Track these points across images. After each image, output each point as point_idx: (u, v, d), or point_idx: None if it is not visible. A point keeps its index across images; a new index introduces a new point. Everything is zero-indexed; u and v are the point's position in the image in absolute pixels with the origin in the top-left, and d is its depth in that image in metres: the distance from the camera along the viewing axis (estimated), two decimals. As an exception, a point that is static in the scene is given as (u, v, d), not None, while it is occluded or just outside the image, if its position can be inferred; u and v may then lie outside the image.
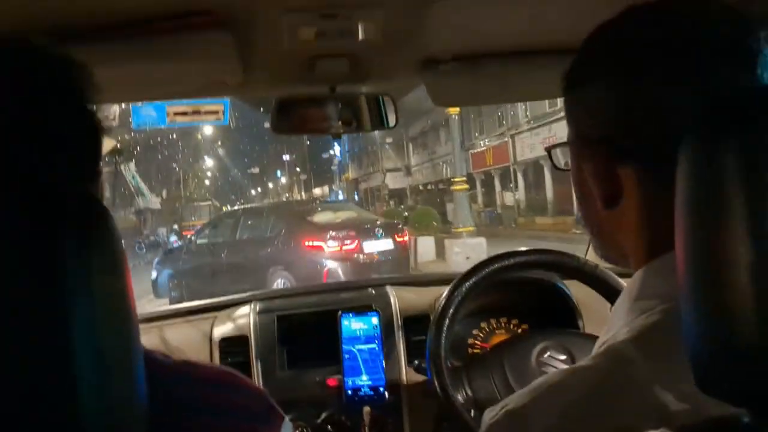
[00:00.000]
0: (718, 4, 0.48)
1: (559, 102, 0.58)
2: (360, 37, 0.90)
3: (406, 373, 1.31)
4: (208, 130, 26.78)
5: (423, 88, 1.15)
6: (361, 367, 1.28)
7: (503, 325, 1.38)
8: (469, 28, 0.94)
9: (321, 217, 8.33)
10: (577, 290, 1.33)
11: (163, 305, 3.69)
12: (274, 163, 49.46)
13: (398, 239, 8.02)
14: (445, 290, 1.15)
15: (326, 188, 42.21)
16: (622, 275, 1.09)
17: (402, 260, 7.99)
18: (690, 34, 0.46)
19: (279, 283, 7.17)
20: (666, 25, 0.47)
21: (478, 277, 1.14)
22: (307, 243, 7.46)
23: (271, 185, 55.09)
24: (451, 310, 1.11)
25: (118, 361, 0.36)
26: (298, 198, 44.57)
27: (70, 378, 0.33)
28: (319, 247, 7.38)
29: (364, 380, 1.27)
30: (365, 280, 1.80)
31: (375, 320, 1.30)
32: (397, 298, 1.38)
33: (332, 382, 1.28)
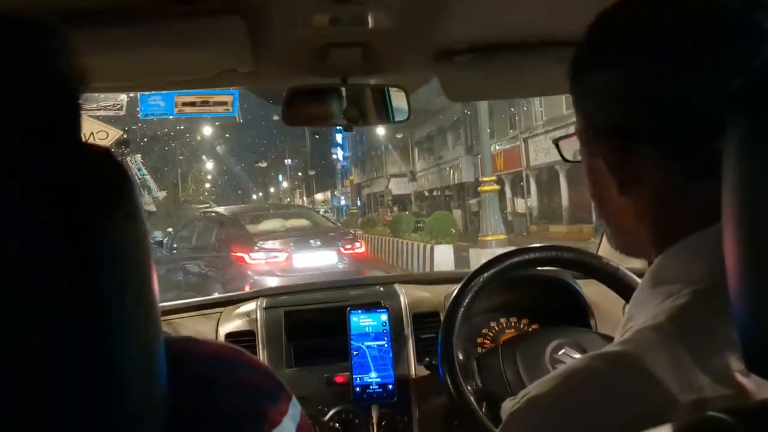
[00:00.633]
0: None
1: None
2: (374, 24, 0.92)
3: (416, 371, 1.33)
4: (207, 130, 26.85)
5: (430, 88, 1.15)
6: (370, 364, 1.29)
7: (513, 324, 1.40)
8: (487, 17, 0.95)
9: (264, 224, 7.75)
10: (589, 290, 1.34)
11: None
12: (276, 167, 49.64)
13: (345, 251, 7.30)
14: (456, 287, 1.16)
15: (328, 193, 42.33)
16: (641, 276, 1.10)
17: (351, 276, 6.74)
18: (701, 13, 0.46)
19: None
20: (676, 5, 0.47)
21: (494, 271, 1.15)
22: (234, 253, 6.97)
23: (273, 190, 55.24)
24: (465, 303, 1.13)
25: (143, 338, 0.36)
26: (299, 203, 44.63)
27: (95, 353, 0.33)
28: (242, 259, 6.86)
29: (372, 377, 1.29)
30: (374, 278, 1.82)
31: (384, 317, 1.32)
32: (406, 295, 1.41)
33: (340, 379, 1.30)
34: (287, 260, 6.92)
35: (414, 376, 1.33)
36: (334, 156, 38.71)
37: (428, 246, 11.20)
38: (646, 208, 0.50)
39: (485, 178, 9.41)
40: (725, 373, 0.41)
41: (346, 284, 1.63)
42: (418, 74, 1.28)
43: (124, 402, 0.34)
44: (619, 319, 0.52)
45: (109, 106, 7.16)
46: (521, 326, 1.40)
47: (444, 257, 10.14)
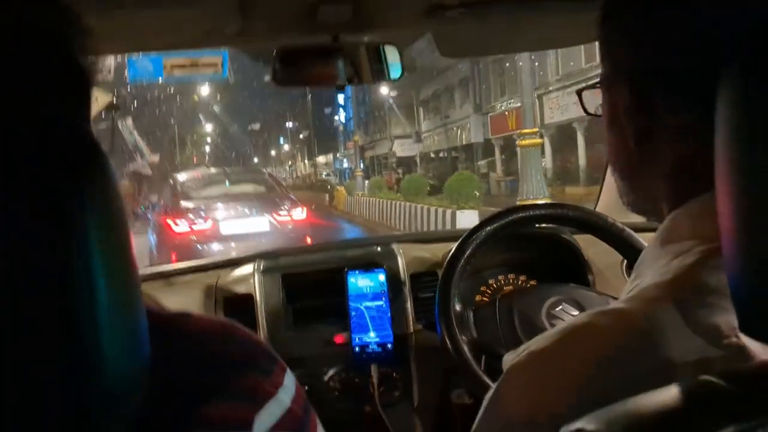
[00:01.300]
0: None
1: (598, 56, 0.57)
2: None
3: (414, 330, 1.38)
4: (204, 90, 26.66)
5: (433, 46, 1.16)
6: (369, 324, 1.35)
7: (511, 281, 1.45)
8: None
9: (208, 190, 7.74)
10: (588, 247, 1.38)
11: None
12: (276, 129, 49.37)
13: (278, 219, 7.30)
14: (455, 245, 1.20)
15: (330, 156, 42.21)
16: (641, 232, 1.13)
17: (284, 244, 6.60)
18: None
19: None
20: None
21: (495, 226, 1.18)
22: (162, 220, 7.06)
23: (273, 153, 55.09)
24: (464, 257, 1.16)
25: (122, 310, 0.37)
26: (302, 166, 44.47)
27: (72, 330, 0.34)
28: (168, 225, 6.90)
29: (371, 337, 1.34)
30: (371, 238, 1.86)
31: (382, 277, 1.37)
32: (404, 254, 1.45)
33: (339, 339, 1.36)
34: (213, 227, 6.99)
35: (413, 335, 1.38)
36: (336, 117, 38.45)
37: (449, 211, 10.65)
38: (663, 163, 0.51)
39: (526, 131, 8.53)
40: (729, 333, 0.42)
41: (344, 245, 1.67)
42: (410, 30, 1.28)
43: (103, 370, 0.35)
44: (618, 277, 0.54)
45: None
46: (520, 282, 1.45)
47: (469, 223, 9.62)
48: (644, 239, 1.10)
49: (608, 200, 1.60)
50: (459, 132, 24.52)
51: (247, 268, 1.47)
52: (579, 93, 0.63)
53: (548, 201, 8.25)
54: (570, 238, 1.42)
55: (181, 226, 6.90)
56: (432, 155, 28.40)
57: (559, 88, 17.44)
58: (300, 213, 7.59)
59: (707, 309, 0.43)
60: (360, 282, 1.36)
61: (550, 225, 1.38)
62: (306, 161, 45.74)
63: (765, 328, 0.34)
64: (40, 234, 0.33)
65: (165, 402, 0.41)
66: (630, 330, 0.44)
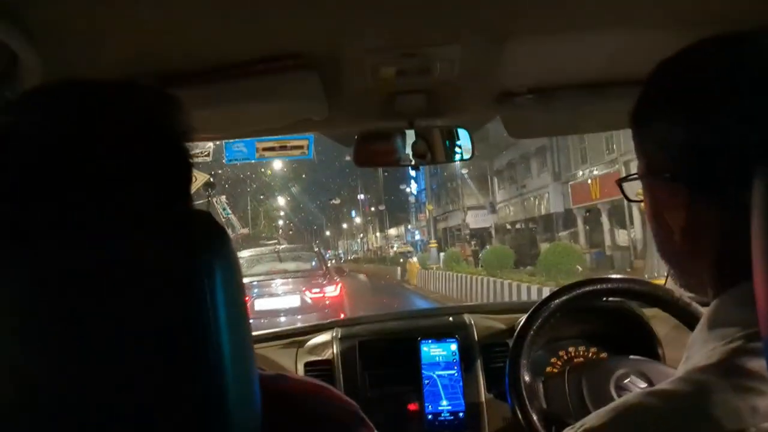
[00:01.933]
0: None
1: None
2: (437, 73, 1.06)
3: (486, 399, 1.43)
4: (283, 170, 28.14)
5: None
6: (441, 392, 1.41)
7: (581, 353, 1.48)
8: (545, 62, 1.06)
9: (256, 268, 8.42)
10: (658, 322, 1.41)
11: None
12: (349, 203, 50.82)
13: (312, 295, 7.75)
14: (524, 316, 1.26)
15: (402, 228, 42.65)
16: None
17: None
18: (758, 68, 0.50)
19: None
20: (733, 59, 0.52)
21: (564, 299, 1.23)
22: None
23: (345, 225, 56.39)
24: (534, 328, 1.22)
25: (242, 366, 0.42)
26: (373, 238, 45.08)
27: (202, 385, 0.39)
28: None
29: (444, 405, 1.40)
30: (444, 308, 1.93)
31: (454, 347, 1.44)
32: (476, 325, 1.51)
33: (413, 406, 1.42)
34: (248, 303, 7.15)
35: (484, 405, 1.43)
36: (408, 189, 39.18)
37: (545, 289, 9.82)
38: (705, 253, 0.54)
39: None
40: (766, 415, 0.45)
41: (417, 315, 1.76)
42: (480, 115, 1.41)
43: (228, 425, 0.40)
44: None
45: (197, 153, 8.31)
46: (590, 354, 1.48)
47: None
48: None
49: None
50: (536, 202, 24.20)
51: (325, 336, 1.57)
52: (618, 183, 0.68)
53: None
54: (639, 312, 1.45)
55: None
56: (508, 226, 27.77)
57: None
58: (333, 290, 8.02)
59: (746, 392, 0.46)
60: (433, 351, 1.44)
61: (618, 299, 1.42)
62: (378, 233, 46.44)
63: None
64: (178, 301, 0.40)
65: None
66: (675, 411, 0.48)
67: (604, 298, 1.41)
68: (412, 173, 33.10)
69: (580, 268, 11.29)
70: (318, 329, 1.63)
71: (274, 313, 7.55)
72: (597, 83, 1.15)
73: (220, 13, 0.81)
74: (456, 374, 1.42)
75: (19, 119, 0.44)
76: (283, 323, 7.13)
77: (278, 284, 7.99)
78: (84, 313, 0.39)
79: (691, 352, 0.55)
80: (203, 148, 8.34)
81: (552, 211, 22.67)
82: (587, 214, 20.73)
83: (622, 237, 19.12)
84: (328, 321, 1.67)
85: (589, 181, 19.44)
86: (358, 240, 53.24)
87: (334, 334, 1.56)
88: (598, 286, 1.25)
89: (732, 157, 0.49)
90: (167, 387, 0.39)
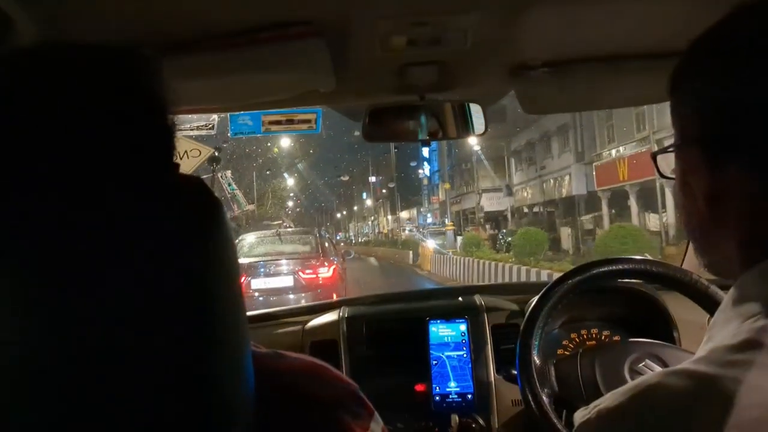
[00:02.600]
0: None
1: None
2: (450, 44, 1.04)
3: (495, 381, 1.43)
4: (290, 145, 28.12)
5: None
6: (450, 373, 1.41)
7: (594, 335, 1.48)
8: (563, 34, 1.04)
9: (258, 249, 9.05)
10: (675, 304, 1.40)
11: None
12: (359, 183, 50.86)
13: (306, 276, 8.35)
14: (536, 297, 1.26)
15: (414, 211, 42.67)
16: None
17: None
18: None
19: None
20: None
21: (577, 280, 1.22)
22: None
23: (356, 207, 56.51)
24: (545, 310, 1.21)
25: (234, 346, 0.42)
26: (384, 221, 45.20)
27: (191, 362, 0.39)
28: None
29: (452, 387, 1.41)
30: (453, 288, 1.95)
31: (463, 327, 1.44)
32: (486, 305, 1.51)
33: (420, 387, 1.43)
34: (244, 283, 7.83)
35: (494, 386, 1.43)
36: (420, 171, 39.08)
37: None
38: (734, 225, 0.53)
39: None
40: None
41: (426, 295, 1.77)
42: (493, 89, 1.40)
43: (220, 401, 0.40)
44: (704, 334, 0.57)
45: (202, 126, 8.49)
46: (602, 337, 1.47)
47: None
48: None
49: (695, 257, 1.60)
50: (556, 184, 23.50)
51: (332, 315, 1.57)
52: (653, 156, 0.66)
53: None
54: (654, 294, 1.44)
55: None
56: (525, 209, 27.18)
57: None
58: (326, 272, 8.60)
59: None
60: (441, 331, 1.44)
61: (634, 281, 1.41)
62: (389, 216, 46.48)
63: None
64: (167, 278, 0.39)
65: None
66: (699, 391, 0.46)
67: (619, 280, 1.40)
68: (425, 153, 33.02)
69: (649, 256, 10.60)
70: (325, 308, 1.64)
71: (269, 292, 8.15)
72: (615, 56, 1.13)
73: None
74: (465, 355, 1.42)
75: None
76: (276, 302, 7.64)
77: (275, 265, 8.57)
78: (70, 289, 0.38)
79: (712, 332, 0.53)
80: (208, 120, 8.42)
81: (574, 193, 21.93)
82: (611, 196, 19.99)
83: (652, 221, 18.27)
84: (336, 300, 1.69)
85: (617, 162, 18.69)
86: (369, 223, 53.36)
87: (341, 314, 1.56)
88: (613, 267, 1.23)
89: (766, 116, 0.49)
90: (153, 362, 0.39)
